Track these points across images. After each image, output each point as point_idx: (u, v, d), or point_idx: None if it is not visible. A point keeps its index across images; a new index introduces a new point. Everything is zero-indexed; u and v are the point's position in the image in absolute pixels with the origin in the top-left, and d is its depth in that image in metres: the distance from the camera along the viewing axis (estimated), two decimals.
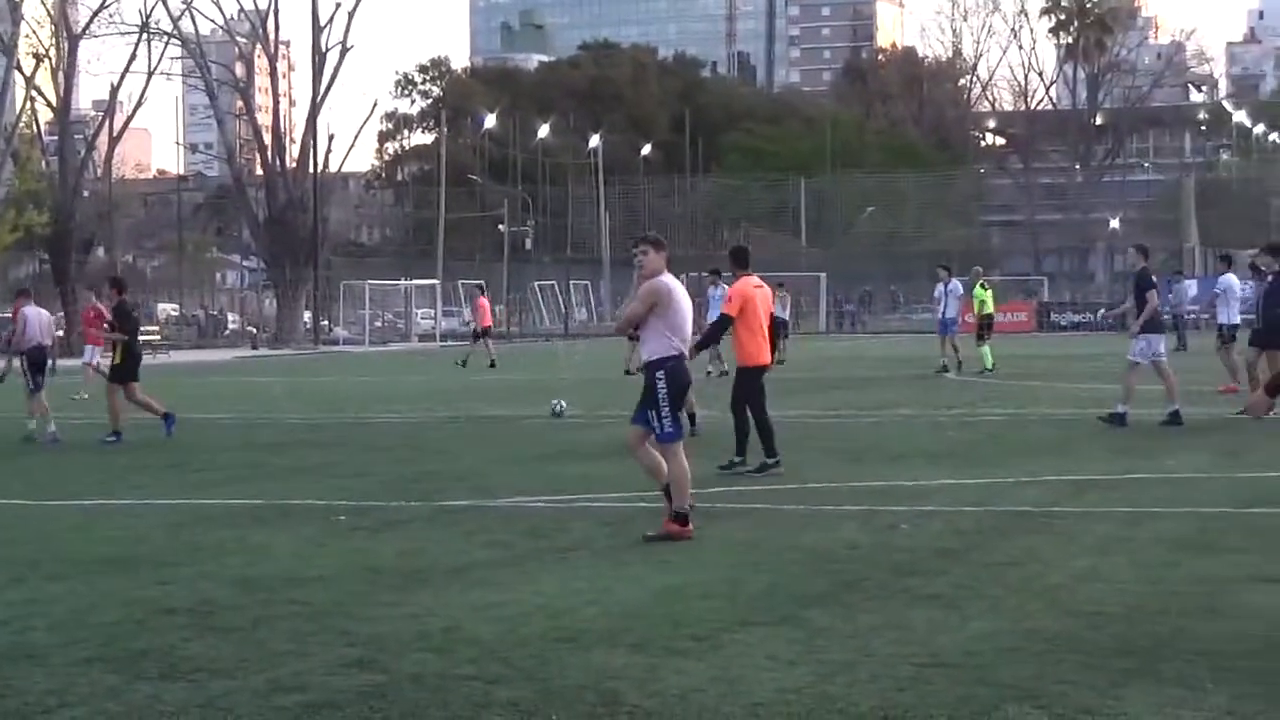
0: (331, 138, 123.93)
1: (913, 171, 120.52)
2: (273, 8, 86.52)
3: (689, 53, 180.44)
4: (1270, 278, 24.32)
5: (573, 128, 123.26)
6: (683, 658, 8.99)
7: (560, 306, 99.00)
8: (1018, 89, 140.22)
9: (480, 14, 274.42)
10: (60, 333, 68.40)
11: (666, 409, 13.49)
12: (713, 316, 40.24)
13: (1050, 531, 13.54)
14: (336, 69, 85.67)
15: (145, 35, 79.27)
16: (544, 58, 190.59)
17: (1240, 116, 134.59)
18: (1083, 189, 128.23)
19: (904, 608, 10.34)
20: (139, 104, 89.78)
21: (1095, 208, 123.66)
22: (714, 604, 10.55)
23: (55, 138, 76.95)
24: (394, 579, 11.70)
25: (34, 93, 74.20)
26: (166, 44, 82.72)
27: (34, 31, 75.40)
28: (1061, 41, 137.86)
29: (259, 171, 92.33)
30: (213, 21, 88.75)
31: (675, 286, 13.77)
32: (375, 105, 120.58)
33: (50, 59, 74.93)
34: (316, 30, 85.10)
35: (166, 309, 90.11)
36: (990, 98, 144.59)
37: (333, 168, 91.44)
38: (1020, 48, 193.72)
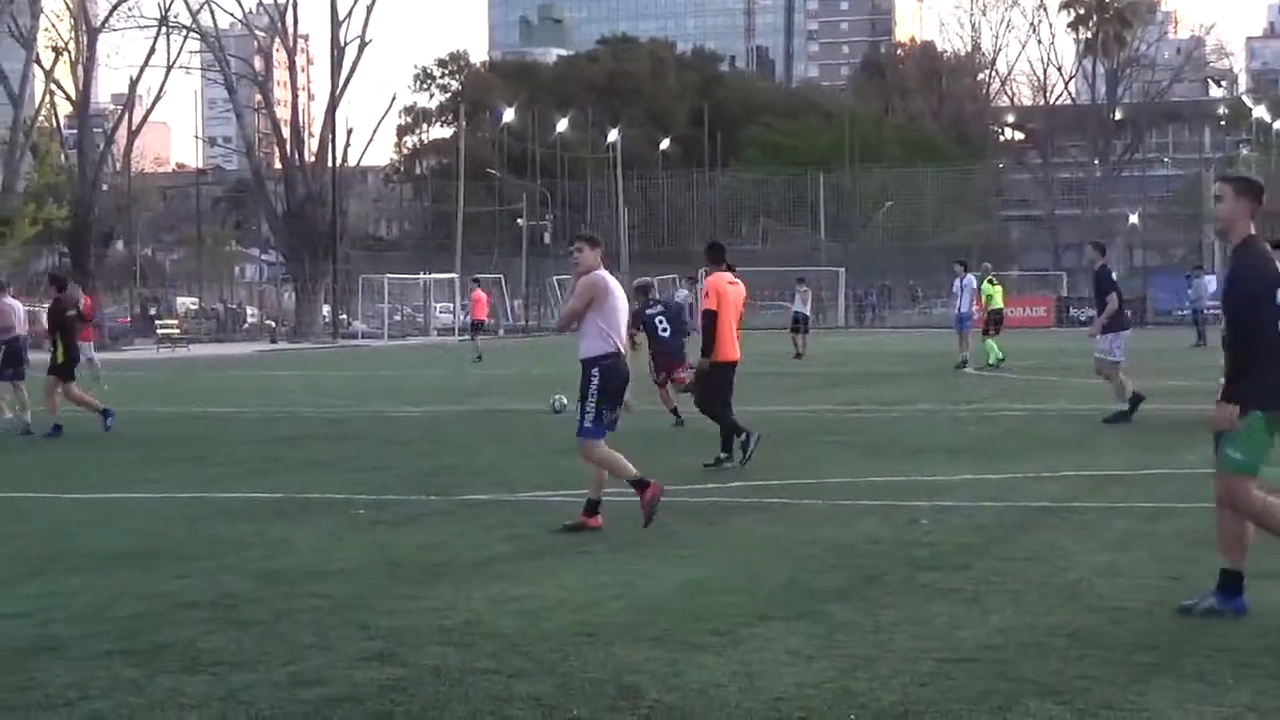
0: (350, 131, 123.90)
1: (931, 166, 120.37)
2: (291, 2, 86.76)
3: (708, 47, 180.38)
4: None
5: (591, 122, 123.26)
6: (703, 652, 8.97)
7: None
8: (1037, 84, 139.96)
9: (499, 8, 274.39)
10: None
11: (593, 405, 13.61)
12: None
13: (1070, 527, 13.51)
14: (355, 63, 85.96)
15: (164, 29, 79.51)
16: (562, 52, 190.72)
17: (1260, 112, 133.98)
18: (1102, 184, 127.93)
19: (924, 603, 10.32)
20: (158, 98, 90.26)
21: (1114, 203, 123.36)
22: (734, 598, 10.53)
23: (74, 131, 77.10)
24: (414, 573, 11.70)
25: (53, 86, 74.37)
26: (185, 38, 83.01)
27: (53, 25, 75.65)
28: (1080, 36, 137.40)
29: (278, 165, 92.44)
30: (231, 15, 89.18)
31: (612, 282, 13.86)
32: (394, 99, 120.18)
33: (69, 53, 75.07)
34: (335, 24, 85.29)
35: (185, 302, 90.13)
36: (1009, 92, 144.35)
37: (351, 161, 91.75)
38: (1039, 42, 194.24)
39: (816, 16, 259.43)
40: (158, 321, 72.85)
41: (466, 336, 53.54)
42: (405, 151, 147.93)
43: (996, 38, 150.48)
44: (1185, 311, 63.55)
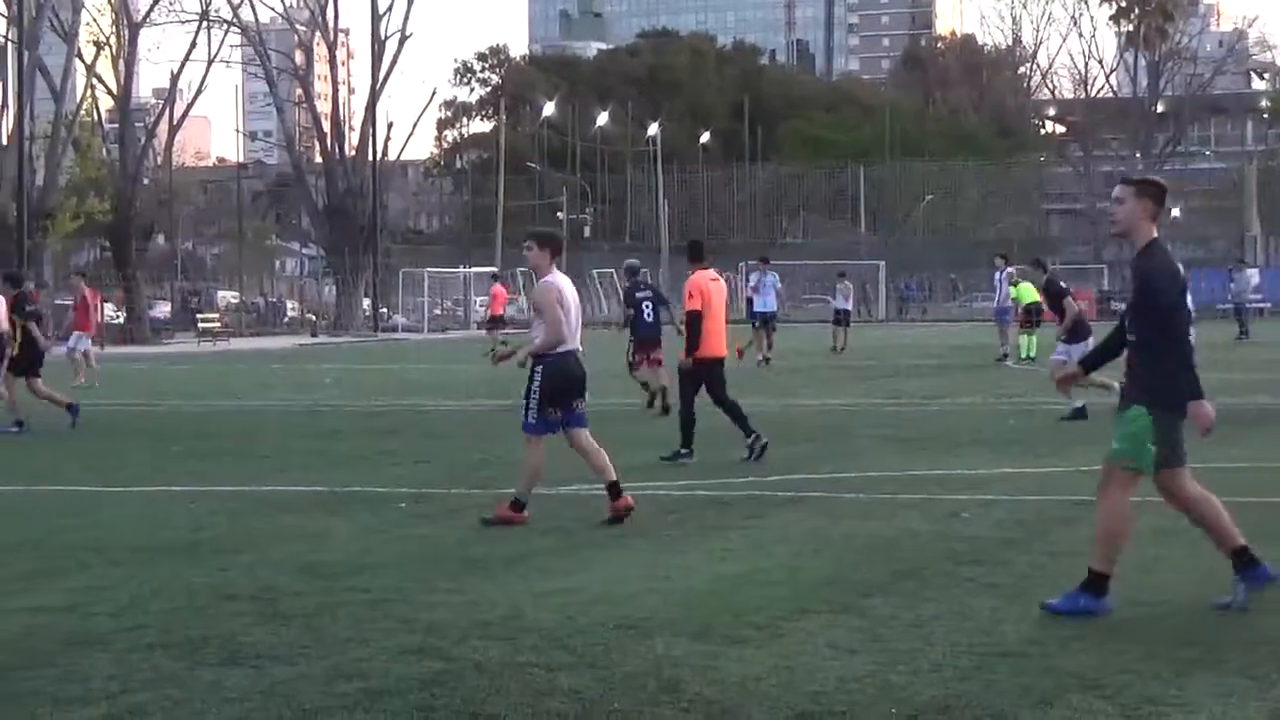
0: (390, 125, 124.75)
1: (972, 160, 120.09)
2: None
3: (748, 40, 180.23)
4: None
5: (631, 116, 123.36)
6: (743, 646, 8.98)
7: (619, 294, 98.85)
8: (1078, 77, 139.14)
9: (539, 2, 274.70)
10: (123, 318, 69.06)
11: (535, 402, 13.84)
12: (763, 302, 40.53)
13: None
14: (396, 57, 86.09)
15: (205, 23, 79.61)
16: (603, 45, 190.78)
17: None
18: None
19: (966, 596, 10.31)
20: (199, 92, 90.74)
21: None
22: (774, 592, 10.53)
23: (116, 125, 77.23)
24: (454, 566, 11.72)
25: (94, 81, 74.53)
26: (226, 32, 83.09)
27: (94, 20, 75.80)
28: (1122, 29, 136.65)
29: (318, 159, 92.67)
30: (272, 9, 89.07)
31: (564, 285, 14.00)
32: (434, 93, 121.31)
33: (111, 47, 75.21)
34: (376, 18, 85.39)
35: (226, 296, 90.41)
36: (1050, 85, 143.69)
37: (392, 155, 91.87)
38: (1080, 35, 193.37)
39: (857, 10, 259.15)
40: (198, 315, 73.11)
41: (497, 332, 52.97)
42: (445, 145, 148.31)
43: (1037, 31, 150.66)
44: (1227, 305, 63.24)
